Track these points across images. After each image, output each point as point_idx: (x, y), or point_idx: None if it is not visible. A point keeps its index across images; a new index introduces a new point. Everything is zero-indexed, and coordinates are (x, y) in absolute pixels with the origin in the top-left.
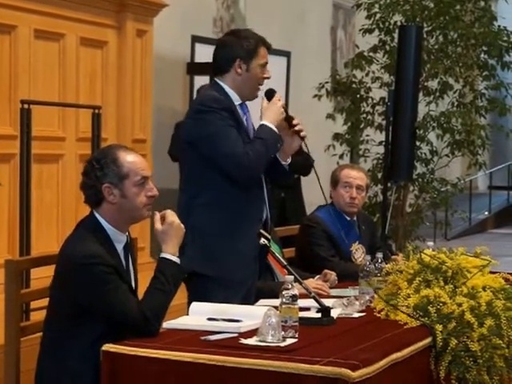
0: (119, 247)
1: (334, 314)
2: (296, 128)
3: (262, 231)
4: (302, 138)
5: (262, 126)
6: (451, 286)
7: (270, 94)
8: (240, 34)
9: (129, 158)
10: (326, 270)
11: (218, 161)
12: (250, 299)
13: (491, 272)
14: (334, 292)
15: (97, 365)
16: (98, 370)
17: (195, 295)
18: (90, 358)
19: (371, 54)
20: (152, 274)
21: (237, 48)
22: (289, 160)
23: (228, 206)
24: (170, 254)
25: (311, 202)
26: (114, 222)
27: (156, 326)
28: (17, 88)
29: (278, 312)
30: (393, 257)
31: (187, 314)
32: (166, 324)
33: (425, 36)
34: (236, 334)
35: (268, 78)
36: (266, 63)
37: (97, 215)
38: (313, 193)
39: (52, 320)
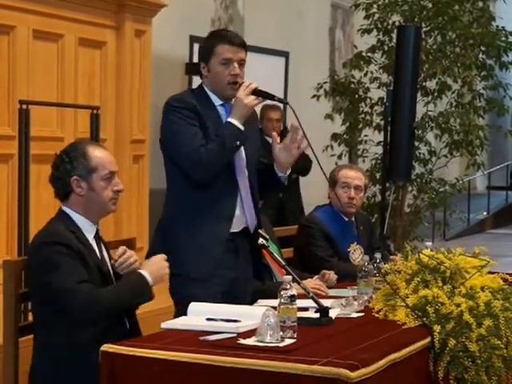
0: (89, 237)
1: (333, 314)
2: (297, 145)
3: (260, 231)
4: (303, 152)
5: (225, 123)
6: (449, 286)
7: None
8: (208, 35)
9: (97, 153)
10: (324, 271)
11: (177, 159)
12: (235, 296)
13: (490, 272)
14: (332, 292)
15: (84, 361)
16: (86, 366)
17: (176, 295)
18: (75, 354)
19: (369, 54)
20: None
21: (200, 51)
22: (288, 171)
23: (190, 203)
24: (147, 272)
25: (309, 202)
26: (83, 213)
27: (93, 309)
28: (15, 88)
29: (277, 312)
30: (391, 257)
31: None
32: (165, 324)
33: (423, 36)
34: (235, 335)
35: (235, 74)
36: (229, 60)
37: (65, 209)
38: (311, 193)
39: (35, 323)
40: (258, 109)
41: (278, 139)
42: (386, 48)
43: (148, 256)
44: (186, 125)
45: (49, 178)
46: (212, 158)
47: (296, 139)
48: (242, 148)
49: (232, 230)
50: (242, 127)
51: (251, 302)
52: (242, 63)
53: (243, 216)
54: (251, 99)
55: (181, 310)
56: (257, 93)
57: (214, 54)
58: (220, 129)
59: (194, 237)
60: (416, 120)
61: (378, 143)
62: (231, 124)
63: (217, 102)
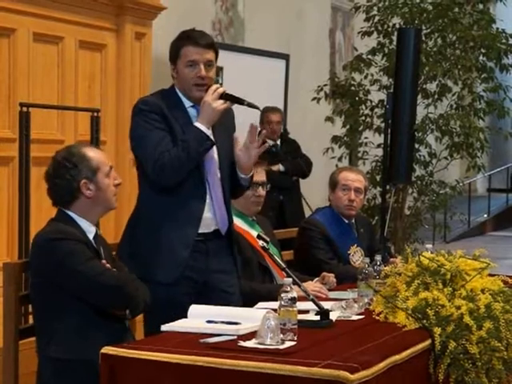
0: (90, 236)
1: (333, 316)
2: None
3: (260, 234)
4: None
5: (191, 127)
6: (450, 288)
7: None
8: (177, 36)
9: (93, 153)
10: (324, 273)
11: (142, 163)
12: (208, 298)
13: (490, 274)
14: (332, 294)
15: (87, 355)
16: (89, 361)
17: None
18: (77, 348)
19: (370, 56)
20: None
21: (169, 52)
22: (250, 173)
23: (157, 206)
24: None
25: (310, 204)
26: (84, 216)
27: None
28: (16, 91)
29: (277, 314)
30: (391, 259)
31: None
32: (165, 326)
33: (423, 38)
34: (235, 337)
35: (200, 76)
36: (194, 61)
37: (65, 211)
38: (311, 195)
39: (39, 325)
40: (257, 111)
41: (239, 141)
42: (386, 50)
43: (119, 257)
44: (153, 129)
45: (48, 190)
46: (175, 164)
47: (255, 139)
48: (215, 149)
49: (202, 231)
50: (208, 132)
51: (216, 299)
52: (209, 64)
53: (214, 218)
54: (219, 103)
55: (150, 316)
56: (225, 97)
57: (180, 56)
58: (186, 133)
59: (160, 240)
60: (416, 122)
61: (379, 145)
62: (197, 129)
63: (187, 103)
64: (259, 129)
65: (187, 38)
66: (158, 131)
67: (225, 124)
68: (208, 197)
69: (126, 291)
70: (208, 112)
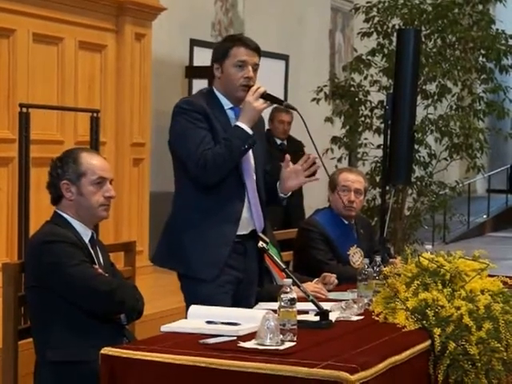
0: (85, 239)
1: (333, 317)
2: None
3: (260, 234)
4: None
5: (234, 126)
6: (449, 289)
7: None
8: (225, 38)
9: (90, 159)
10: (324, 273)
11: (184, 162)
12: (240, 298)
13: (489, 275)
14: (332, 295)
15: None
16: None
17: (187, 296)
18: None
19: (369, 57)
20: (150, 278)
21: (214, 52)
22: (289, 193)
23: (198, 205)
24: None
25: (310, 205)
26: (76, 217)
27: (117, 301)
28: (15, 91)
29: (277, 315)
30: (391, 260)
31: (185, 317)
32: (165, 327)
33: (423, 39)
34: (234, 338)
35: (248, 77)
36: (243, 62)
37: (60, 212)
38: (311, 196)
39: (35, 327)
40: (267, 111)
41: (290, 163)
42: (385, 51)
43: (154, 258)
44: (195, 128)
45: (46, 185)
46: (218, 161)
47: (309, 167)
48: (251, 152)
49: (240, 233)
50: (250, 131)
51: (250, 303)
52: (255, 68)
53: (251, 219)
54: (260, 103)
55: None
56: (265, 97)
57: (230, 55)
58: (228, 132)
59: (201, 237)
60: (416, 123)
61: (378, 146)
62: (239, 128)
63: (227, 105)
64: (312, 156)
65: (238, 40)
66: (200, 130)
67: (258, 129)
68: (246, 197)
69: (117, 297)
70: (249, 111)
